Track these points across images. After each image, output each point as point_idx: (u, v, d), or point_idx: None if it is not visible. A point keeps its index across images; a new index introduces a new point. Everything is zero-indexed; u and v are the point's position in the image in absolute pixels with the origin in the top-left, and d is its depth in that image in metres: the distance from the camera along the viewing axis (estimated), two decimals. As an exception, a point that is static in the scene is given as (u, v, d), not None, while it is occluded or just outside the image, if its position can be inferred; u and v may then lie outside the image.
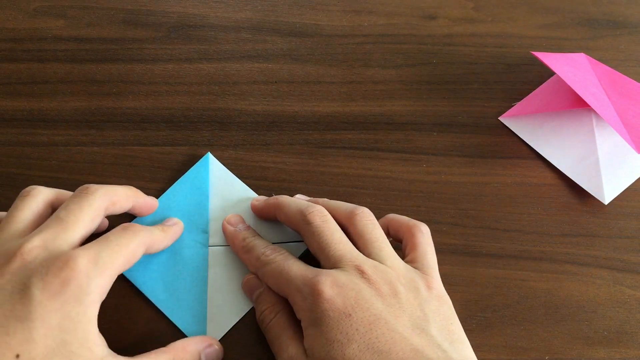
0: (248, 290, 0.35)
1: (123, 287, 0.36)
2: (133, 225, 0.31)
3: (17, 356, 0.25)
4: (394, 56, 0.45)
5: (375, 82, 0.44)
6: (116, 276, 0.30)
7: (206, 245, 0.37)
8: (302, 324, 0.30)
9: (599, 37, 0.46)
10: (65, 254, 0.28)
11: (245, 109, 0.43)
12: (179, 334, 0.37)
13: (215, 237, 0.37)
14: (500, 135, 0.43)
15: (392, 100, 0.43)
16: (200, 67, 0.44)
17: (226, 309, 0.36)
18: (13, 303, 0.26)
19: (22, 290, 0.26)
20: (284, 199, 0.36)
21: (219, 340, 0.36)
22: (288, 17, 0.46)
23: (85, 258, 0.28)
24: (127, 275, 0.36)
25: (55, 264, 0.27)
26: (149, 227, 0.33)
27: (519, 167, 0.42)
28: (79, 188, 0.32)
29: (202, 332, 0.36)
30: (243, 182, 0.40)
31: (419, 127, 0.43)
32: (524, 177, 0.41)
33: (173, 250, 0.37)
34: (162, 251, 0.36)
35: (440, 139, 0.42)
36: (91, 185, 0.32)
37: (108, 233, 0.31)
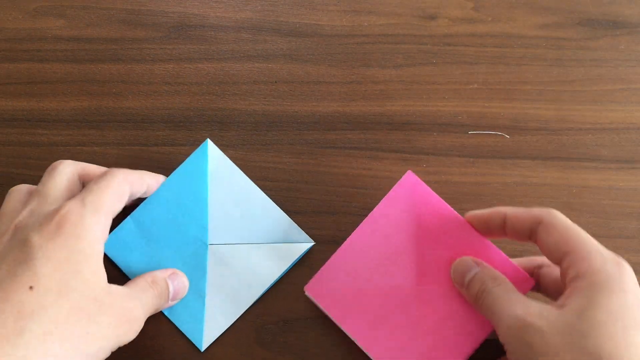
0: (460, 273, 0.33)
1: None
2: (111, 169, 0.33)
3: (31, 288, 0.27)
4: (394, 56, 0.45)
5: (375, 82, 0.44)
6: (111, 214, 0.32)
7: (206, 243, 0.37)
8: (576, 284, 0.27)
9: (598, 37, 0.46)
10: (56, 208, 0.30)
11: (245, 109, 0.43)
12: (177, 333, 0.37)
13: (215, 235, 0.37)
14: (500, 136, 0.43)
15: (392, 100, 0.43)
16: (200, 67, 0.44)
17: (225, 308, 0.36)
18: (16, 252, 0.28)
19: (22, 241, 0.29)
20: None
21: (216, 340, 0.36)
22: (288, 17, 0.46)
23: (72, 203, 0.30)
24: (127, 273, 0.36)
25: (48, 215, 0.30)
26: (129, 170, 0.35)
27: (519, 167, 0.42)
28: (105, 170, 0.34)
29: (200, 330, 0.36)
30: (243, 182, 0.40)
31: (419, 127, 0.43)
32: (524, 177, 0.41)
33: (173, 247, 0.36)
34: (162, 247, 0.36)
35: (440, 139, 0.42)
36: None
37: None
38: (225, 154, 0.40)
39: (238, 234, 0.37)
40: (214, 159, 0.38)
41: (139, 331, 0.32)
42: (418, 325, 0.34)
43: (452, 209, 0.35)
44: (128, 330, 0.31)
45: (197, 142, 0.41)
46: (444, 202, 0.36)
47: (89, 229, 0.30)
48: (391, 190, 0.36)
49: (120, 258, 0.36)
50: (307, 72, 0.44)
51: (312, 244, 0.38)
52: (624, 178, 0.41)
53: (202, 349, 0.36)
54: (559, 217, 0.30)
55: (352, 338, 0.35)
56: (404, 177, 0.36)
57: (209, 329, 0.36)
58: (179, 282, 0.35)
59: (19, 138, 0.41)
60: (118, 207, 0.33)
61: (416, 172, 0.36)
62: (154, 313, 0.34)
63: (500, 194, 0.41)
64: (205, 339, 0.36)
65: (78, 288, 0.28)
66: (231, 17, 0.46)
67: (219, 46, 0.45)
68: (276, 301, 0.38)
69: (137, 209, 0.37)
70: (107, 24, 0.45)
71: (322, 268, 0.35)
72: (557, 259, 0.29)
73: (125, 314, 0.30)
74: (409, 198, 0.35)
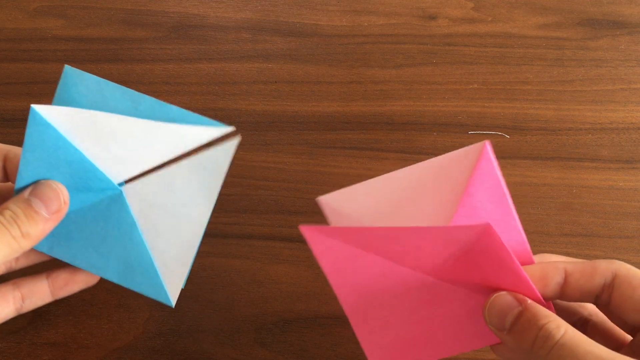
0: (499, 313, 0.27)
1: (123, 287, 0.36)
2: None
3: None
4: (394, 56, 0.45)
5: (375, 82, 0.44)
6: None
7: (115, 188, 0.31)
8: None
9: (598, 37, 0.46)
10: None
11: (245, 109, 0.43)
12: (178, 331, 0.37)
13: (117, 174, 0.30)
14: (500, 136, 0.43)
15: (392, 100, 0.43)
16: (200, 67, 0.44)
17: (175, 250, 0.31)
18: None
19: None
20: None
21: (216, 340, 0.36)
22: (288, 17, 0.46)
23: None
24: (56, 255, 0.31)
25: None
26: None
27: (519, 167, 0.42)
28: None
29: (160, 286, 0.31)
30: (243, 181, 0.39)
31: (419, 127, 0.43)
32: (524, 177, 0.41)
33: (85, 209, 0.31)
34: (76, 216, 0.31)
35: (440, 139, 0.42)
36: None
37: None
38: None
39: (143, 162, 0.30)
40: (57, 120, 0.29)
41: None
42: (409, 312, 0.30)
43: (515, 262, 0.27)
44: None
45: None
46: (514, 260, 0.26)
47: None
48: (457, 226, 0.28)
49: (47, 247, 0.31)
50: (307, 72, 0.44)
51: (232, 129, 0.30)
52: (624, 178, 0.41)
53: (172, 304, 0.32)
54: (634, 268, 0.26)
55: (337, 295, 0.30)
56: (479, 225, 0.26)
57: (169, 281, 0.31)
58: (41, 192, 0.28)
59: (19, 138, 0.41)
60: None
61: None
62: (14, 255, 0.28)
63: (500, 194, 0.41)
64: (171, 292, 0.31)
65: None
66: (231, 17, 0.46)
67: (219, 46, 0.45)
68: (276, 301, 0.38)
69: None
70: (107, 24, 0.45)
71: (336, 228, 0.30)
72: None
73: None
74: (474, 243, 0.27)
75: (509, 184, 0.41)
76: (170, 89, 0.43)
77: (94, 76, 0.31)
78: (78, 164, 0.29)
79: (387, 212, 0.31)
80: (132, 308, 0.37)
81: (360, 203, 0.31)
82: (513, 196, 0.41)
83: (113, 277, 0.31)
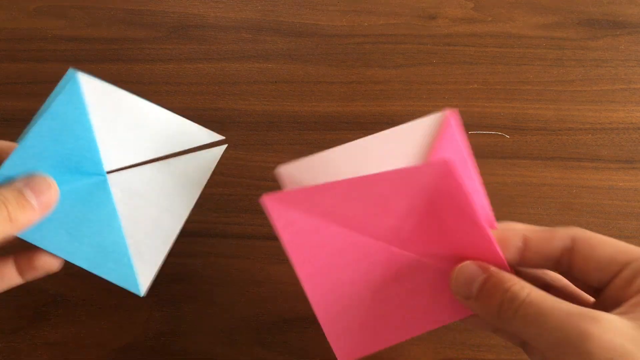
0: (464, 282, 0.27)
1: (123, 287, 0.36)
2: None
3: None
4: (394, 56, 0.45)
5: (375, 82, 0.44)
6: None
7: (102, 174, 0.31)
8: None
9: (598, 37, 0.46)
10: None
11: (245, 109, 0.43)
12: (178, 332, 0.37)
13: (110, 162, 0.31)
14: (500, 136, 0.43)
15: (392, 100, 0.43)
16: (200, 67, 0.44)
17: (151, 241, 0.32)
18: None
19: None
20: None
21: (216, 340, 0.36)
22: (288, 17, 0.46)
23: None
24: (24, 237, 0.31)
25: None
26: None
27: (519, 167, 0.42)
28: None
29: (131, 275, 0.31)
30: (243, 181, 0.39)
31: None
32: (524, 177, 0.41)
33: (64, 192, 0.31)
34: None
35: (440, 139, 0.42)
36: None
37: None
38: (225, 154, 0.40)
39: (137, 154, 0.32)
40: (88, 90, 0.31)
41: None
42: (375, 289, 0.29)
43: (475, 210, 0.27)
44: None
45: (197, 142, 0.41)
46: (471, 204, 0.27)
47: None
48: (417, 166, 0.28)
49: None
50: (307, 72, 0.44)
51: (222, 138, 0.34)
52: (624, 178, 0.41)
53: (142, 294, 0.31)
54: (591, 232, 0.27)
55: (297, 272, 0.30)
56: (438, 161, 0.26)
57: (141, 270, 0.31)
58: (34, 183, 0.29)
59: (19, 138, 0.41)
60: None
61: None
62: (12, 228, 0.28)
63: (500, 194, 0.41)
64: (142, 281, 0.31)
65: None
66: (231, 17, 0.46)
67: (219, 46, 0.45)
68: (276, 301, 0.38)
69: (4, 164, 0.30)
70: (107, 24, 0.45)
71: (293, 190, 0.29)
72: (608, 275, 0.26)
73: None
74: (433, 183, 0.27)
75: (508, 184, 0.41)
76: (170, 89, 0.43)
77: (106, 84, 0.32)
78: (84, 141, 0.31)
79: (342, 210, 0.29)
80: (132, 308, 0.37)
81: (320, 172, 0.30)
82: (513, 196, 0.41)
83: (82, 262, 0.31)
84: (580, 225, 0.38)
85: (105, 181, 0.31)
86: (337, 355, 0.29)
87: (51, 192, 0.29)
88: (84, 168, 0.31)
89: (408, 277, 0.29)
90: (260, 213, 0.40)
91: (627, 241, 0.40)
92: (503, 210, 0.40)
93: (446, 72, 0.44)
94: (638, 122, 0.43)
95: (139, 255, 0.31)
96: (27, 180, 0.29)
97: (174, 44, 0.45)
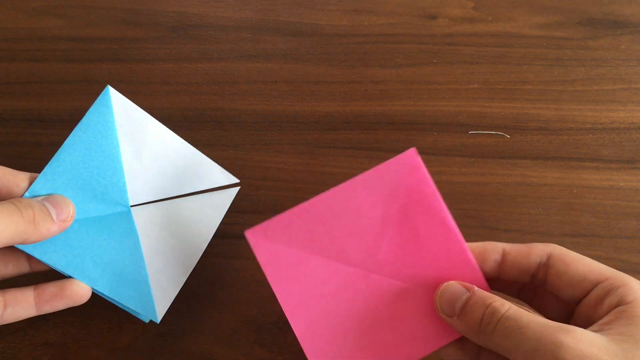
0: (448, 300, 0.29)
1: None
2: None
3: None
4: (394, 56, 0.45)
5: (375, 82, 0.44)
6: None
7: (127, 205, 0.33)
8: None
9: (599, 37, 0.45)
10: None
11: (245, 109, 0.43)
12: (178, 332, 0.37)
13: (135, 194, 0.33)
14: (500, 136, 0.43)
15: (392, 100, 0.43)
16: (200, 67, 0.44)
17: (170, 271, 0.33)
18: None
19: None
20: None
21: (216, 340, 0.36)
22: (288, 17, 0.46)
23: None
24: (48, 260, 0.31)
25: None
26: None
27: (519, 167, 0.42)
28: None
29: (150, 303, 0.33)
30: (243, 182, 0.39)
31: (419, 127, 0.43)
32: (524, 177, 0.41)
33: (90, 220, 0.32)
34: (79, 225, 0.32)
35: (440, 139, 0.42)
36: None
37: None
38: (225, 154, 0.40)
39: (160, 189, 0.34)
40: (119, 111, 0.33)
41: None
42: (360, 319, 0.30)
43: (444, 208, 0.30)
44: None
45: (197, 142, 0.41)
46: (439, 198, 0.30)
47: None
48: (385, 162, 0.30)
49: (34, 247, 0.31)
50: (307, 72, 0.44)
51: (237, 181, 0.36)
52: (625, 178, 0.41)
53: (158, 321, 0.33)
54: (568, 250, 0.29)
55: (281, 305, 0.30)
56: (405, 153, 0.30)
57: (159, 298, 0.33)
58: (54, 200, 0.30)
59: (19, 138, 0.41)
60: None
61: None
62: (22, 238, 0.28)
63: (501, 193, 0.41)
64: (159, 310, 0.33)
65: None
66: (231, 17, 0.46)
67: (219, 46, 0.45)
68: (276, 301, 0.38)
69: (35, 182, 0.31)
70: (107, 24, 0.45)
71: (274, 219, 0.30)
72: (580, 292, 0.27)
73: None
74: (401, 179, 0.30)
75: (509, 184, 0.41)
76: (170, 89, 0.43)
77: (135, 105, 0.34)
78: (112, 161, 0.32)
79: (321, 237, 0.30)
80: (131, 308, 0.37)
81: (291, 234, 0.30)
82: (513, 196, 0.41)
83: (104, 289, 0.32)
84: (581, 225, 0.38)
85: (129, 212, 0.33)
86: None
87: (69, 209, 0.31)
88: (109, 196, 0.32)
89: (390, 303, 0.30)
90: (260, 213, 0.40)
91: (627, 241, 0.40)
92: (503, 210, 0.40)
93: (446, 72, 0.44)
94: (639, 122, 0.43)
95: (158, 284, 0.33)
96: (47, 197, 0.31)
97: (174, 44, 0.44)
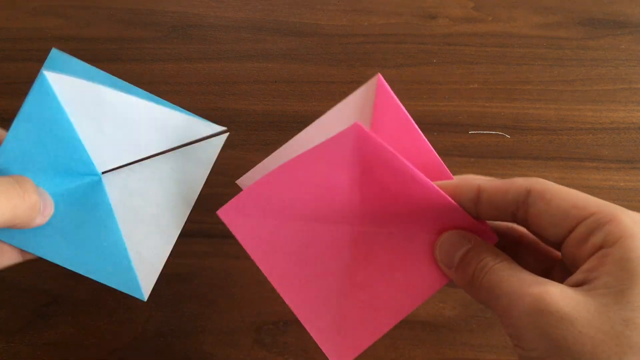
0: (447, 251, 0.27)
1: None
2: None
3: None
4: (394, 56, 0.45)
5: (375, 82, 0.44)
6: None
7: (97, 174, 0.30)
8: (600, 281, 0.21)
9: (599, 37, 0.45)
10: None
11: (245, 109, 0.43)
12: (178, 332, 0.37)
13: (104, 163, 0.30)
14: (500, 136, 0.43)
15: (392, 100, 0.43)
16: (200, 67, 0.44)
17: (152, 242, 0.30)
18: None
19: None
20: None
21: (216, 340, 0.36)
22: (288, 17, 0.46)
23: None
24: (21, 246, 0.30)
25: None
26: None
27: (519, 167, 0.42)
28: None
29: (133, 279, 0.30)
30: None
31: (419, 126, 0.43)
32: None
33: (57, 195, 0.29)
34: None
35: (441, 139, 0.42)
36: None
37: None
38: (225, 154, 0.40)
39: (133, 152, 0.30)
40: (65, 88, 0.29)
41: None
42: (351, 274, 0.28)
43: (402, 160, 0.26)
44: None
45: (197, 142, 0.41)
46: (394, 153, 0.26)
47: None
48: (335, 135, 0.26)
49: (7, 236, 0.29)
50: (307, 72, 0.44)
51: (224, 129, 0.32)
52: (625, 178, 0.41)
53: (145, 298, 0.30)
54: (551, 183, 0.25)
55: (269, 279, 0.29)
56: (349, 128, 0.26)
57: (143, 273, 0.30)
58: (44, 196, 0.28)
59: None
60: None
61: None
62: (15, 223, 0.26)
63: (501, 194, 0.41)
64: (144, 285, 0.30)
65: None
66: (231, 17, 0.46)
67: (219, 46, 0.45)
68: (276, 301, 0.38)
69: None
70: (107, 24, 0.45)
71: (242, 193, 0.28)
72: (564, 231, 0.24)
73: None
74: (355, 149, 0.27)
75: (509, 184, 0.41)
76: (170, 89, 0.43)
77: (82, 62, 0.30)
78: (68, 142, 0.29)
79: (294, 202, 0.29)
80: (132, 308, 0.37)
81: (264, 204, 0.29)
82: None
83: (80, 268, 0.29)
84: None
85: (99, 181, 0.30)
86: (330, 358, 0.29)
87: (50, 205, 0.29)
88: (74, 170, 0.29)
89: (378, 253, 0.28)
90: (260, 213, 0.40)
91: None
92: (503, 210, 0.40)
93: (446, 72, 0.44)
94: (639, 122, 0.43)
95: (140, 258, 0.30)
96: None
97: (174, 44, 0.44)
